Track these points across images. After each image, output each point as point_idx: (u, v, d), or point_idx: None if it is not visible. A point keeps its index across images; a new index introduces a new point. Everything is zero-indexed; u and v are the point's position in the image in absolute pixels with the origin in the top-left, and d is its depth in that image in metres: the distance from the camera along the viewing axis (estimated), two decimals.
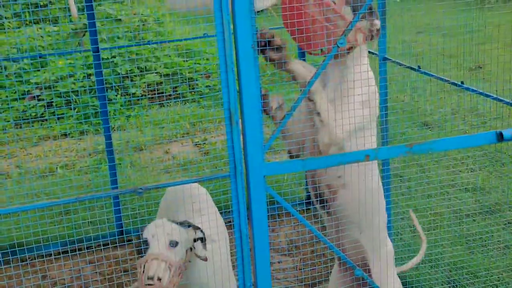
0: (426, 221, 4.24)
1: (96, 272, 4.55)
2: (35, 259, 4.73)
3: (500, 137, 2.47)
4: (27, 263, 4.68)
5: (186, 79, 8.20)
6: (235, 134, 2.33)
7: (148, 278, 2.57)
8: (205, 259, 2.89)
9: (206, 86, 8.23)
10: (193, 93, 8.12)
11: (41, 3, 10.60)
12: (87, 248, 4.83)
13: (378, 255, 3.02)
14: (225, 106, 2.32)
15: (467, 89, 3.23)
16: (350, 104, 2.71)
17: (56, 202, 2.93)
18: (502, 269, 3.91)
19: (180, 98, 8.05)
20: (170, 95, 8.10)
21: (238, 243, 2.45)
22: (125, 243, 4.93)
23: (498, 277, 3.84)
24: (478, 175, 5.04)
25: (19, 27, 9.90)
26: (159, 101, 7.94)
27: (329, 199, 2.95)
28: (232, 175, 2.38)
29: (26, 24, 10.02)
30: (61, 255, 4.74)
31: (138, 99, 7.95)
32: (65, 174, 6.23)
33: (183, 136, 7.06)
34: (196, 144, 6.84)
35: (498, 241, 4.21)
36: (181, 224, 2.84)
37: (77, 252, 4.78)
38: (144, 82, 8.09)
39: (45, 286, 4.41)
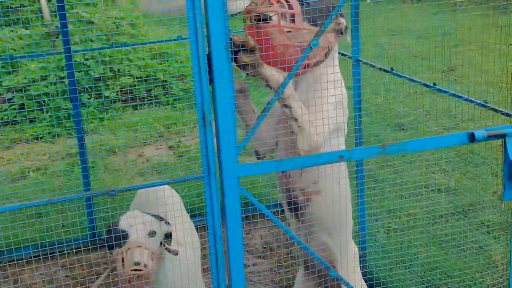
0: (400, 222, 4.26)
1: (68, 276, 4.51)
2: (6, 263, 4.67)
3: (472, 137, 2.49)
4: None
5: (160, 82, 8.18)
6: (209, 135, 2.31)
7: (134, 264, 2.56)
8: (176, 254, 2.88)
9: (180, 89, 8.20)
10: (167, 95, 8.09)
11: (12, 6, 10.52)
12: (60, 252, 4.77)
13: (346, 258, 3.07)
14: (199, 107, 2.30)
15: (440, 90, 3.24)
16: (325, 107, 2.72)
17: (27, 205, 2.88)
18: (475, 270, 3.93)
19: (154, 100, 8.01)
20: (144, 98, 8.05)
21: (212, 245, 2.42)
22: (98, 246, 4.85)
23: (472, 277, 3.87)
24: (451, 177, 5.08)
25: None
26: (133, 103, 7.89)
27: (302, 205, 2.95)
28: (205, 176, 2.36)
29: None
30: (33, 259, 4.68)
31: (112, 102, 7.89)
32: (37, 178, 6.16)
33: (157, 139, 7.03)
34: (170, 147, 6.82)
35: (471, 241, 4.24)
36: (154, 216, 2.84)
37: (49, 256, 4.72)
38: (118, 85, 8.03)
39: None
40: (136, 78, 8.18)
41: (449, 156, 5.17)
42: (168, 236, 2.86)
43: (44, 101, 7.71)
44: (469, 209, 4.66)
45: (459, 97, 3.05)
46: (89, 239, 4.89)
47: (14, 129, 7.46)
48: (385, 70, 3.78)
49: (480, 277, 3.83)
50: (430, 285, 3.90)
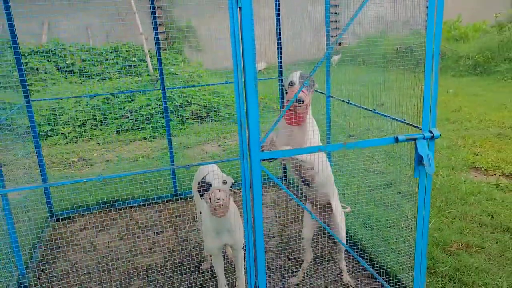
0: (352, 191, 4.24)
1: (161, 217, 4.55)
2: (126, 208, 4.72)
3: (397, 140, 2.48)
4: (121, 211, 4.66)
5: (213, 108, 8.22)
6: (244, 135, 2.33)
7: (217, 199, 2.62)
8: (234, 193, 2.93)
9: (226, 113, 8.24)
10: (218, 116, 8.14)
11: (132, 64, 10.65)
12: (156, 203, 4.81)
13: (334, 200, 3.20)
14: (238, 120, 2.32)
15: (377, 113, 3.22)
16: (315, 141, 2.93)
17: (139, 172, 2.93)
18: (395, 217, 3.90)
19: (210, 119, 8.08)
20: (205, 117, 8.11)
21: (244, 200, 2.45)
22: (178, 199, 4.91)
23: (393, 222, 3.84)
24: (382, 164, 5.04)
25: (119, 77, 9.98)
26: (199, 120, 7.96)
27: (310, 181, 3.09)
28: (241, 158, 2.38)
29: (124, 76, 10.06)
30: (141, 207, 4.73)
31: (186, 119, 7.97)
32: (144, 161, 6.21)
33: (212, 140, 7.05)
34: (219, 145, 6.83)
35: (393, 202, 4.21)
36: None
37: (150, 204, 4.77)
38: (190, 110, 8.09)
39: (131, 225, 4.39)
40: (200, 105, 8.22)
41: (380, 152, 5.14)
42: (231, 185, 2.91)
43: (148, 118, 7.78)
44: (392, 183, 4.63)
45: (388, 116, 3.03)
46: (173, 195, 4.93)
47: (131, 134, 7.53)
48: (344, 101, 3.76)
49: (398, 221, 3.81)
50: (367, 226, 3.88)
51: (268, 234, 4.04)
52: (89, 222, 4.46)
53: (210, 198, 2.66)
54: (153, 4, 4.44)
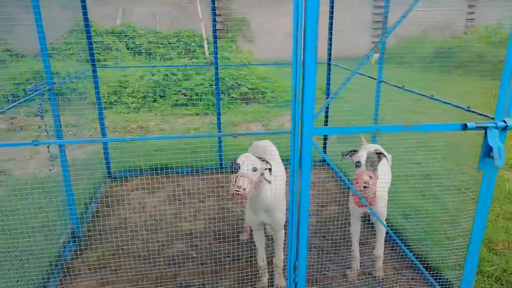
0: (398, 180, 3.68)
1: (206, 186, 4.22)
2: (174, 175, 4.43)
3: (465, 127, 1.94)
4: (170, 177, 4.38)
5: (261, 92, 7.79)
6: (297, 107, 1.89)
7: (237, 187, 2.19)
8: (270, 182, 2.46)
9: (271, 97, 7.79)
10: (263, 100, 7.71)
11: (191, 48, 10.38)
12: (202, 172, 4.50)
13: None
14: (293, 90, 1.87)
15: (435, 99, 2.64)
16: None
17: (190, 136, 2.56)
18: (436, 210, 3.33)
19: (256, 101, 7.69)
20: (252, 99, 7.71)
21: (291, 176, 2.02)
22: (223, 171, 4.55)
23: (434, 214, 3.28)
24: (420, 155, 4.38)
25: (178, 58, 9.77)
26: (246, 101, 7.56)
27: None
28: (292, 132, 1.94)
29: (183, 58, 9.81)
30: (188, 175, 4.42)
31: (235, 100, 7.59)
32: (194, 133, 5.92)
33: (257, 121, 6.64)
34: (263, 125, 6.41)
35: (434, 194, 3.61)
36: (259, 158, 2.41)
37: (195, 173, 4.45)
38: (239, 91, 7.69)
39: (177, 191, 4.10)
40: (249, 88, 7.80)
41: (420, 142, 4.45)
42: (268, 169, 2.44)
43: (201, 96, 7.48)
44: (429, 175, 4.00)
45: (450, 104, 2.47)
46: (219, 166, 4.59)
47: (185, 109, 7.26)
48: (398, 87, 3.20)
49: (438, 215, 3.25)
50: (407, 216, 3.33)
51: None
52: (141, 184, 4.21)
53: (234, 181, 2.26)
54: None
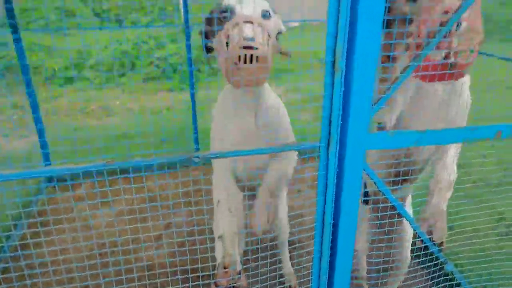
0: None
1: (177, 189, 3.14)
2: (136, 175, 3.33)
3: None
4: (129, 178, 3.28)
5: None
6: (336, 91, 0.82)
7: (245, 39, 0.94)
8: (290, 56, 1.16)
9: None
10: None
11: (167, 13, 9.01)
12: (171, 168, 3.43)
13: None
14: (328, 58, 0.79)
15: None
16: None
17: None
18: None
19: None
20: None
21: (318, 231, 0.97)
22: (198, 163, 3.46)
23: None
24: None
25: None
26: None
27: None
28: (323, 144, 0.88)
29: (156, 23, 8.49)
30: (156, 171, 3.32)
31: (219, 71, 6.44)
32: (167, 114, 4.79)
33: None
34: None
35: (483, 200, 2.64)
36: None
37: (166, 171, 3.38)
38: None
39: (137, 201, 3.04)
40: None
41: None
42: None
43: (177, 68, 6.28)
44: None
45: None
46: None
47: (158, 83, 6.06)
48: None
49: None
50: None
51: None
52: (91, 190, 3.11)
53: (227, 43, 1.01)
54: None
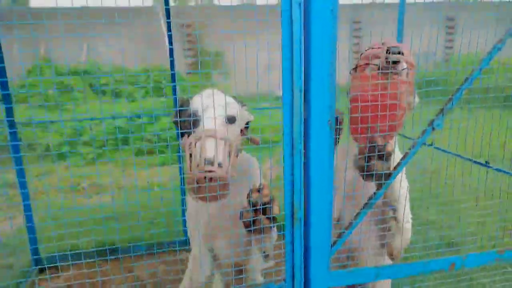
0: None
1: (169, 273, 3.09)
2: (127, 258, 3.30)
3: None
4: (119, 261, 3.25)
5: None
6: (297, 235, 0.91)
7: (206, 161, 0.97)
8: (258, 143, 1.22)
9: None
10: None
11: (161, 86, 9.45)
12: (160, 251, 3.39)
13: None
14: (286, 150, 0.90)
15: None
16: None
17: None
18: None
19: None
20: None
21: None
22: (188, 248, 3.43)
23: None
24: None
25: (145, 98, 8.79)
26: None
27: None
28: (289, 284, 0.95)
29: (151, 96, 8.85)
30: (145, 255, 3.30)
31: None
32: (158, 190, 4.83)
33: None
34: None
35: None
36: (234, 98, 1.22)
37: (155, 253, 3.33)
38: None
39: None
40: None
41: None
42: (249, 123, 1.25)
43: (169, 142, 6.45)
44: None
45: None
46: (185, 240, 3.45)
47: (151, 158, 6.16)
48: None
49: None
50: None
51: None
52: (79, 275, 3.05)
53: (190, 155, 1.04)
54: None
